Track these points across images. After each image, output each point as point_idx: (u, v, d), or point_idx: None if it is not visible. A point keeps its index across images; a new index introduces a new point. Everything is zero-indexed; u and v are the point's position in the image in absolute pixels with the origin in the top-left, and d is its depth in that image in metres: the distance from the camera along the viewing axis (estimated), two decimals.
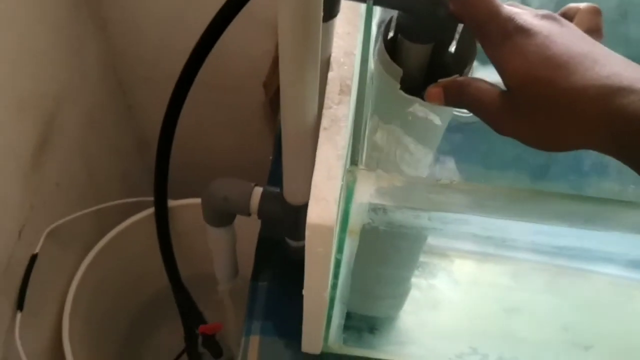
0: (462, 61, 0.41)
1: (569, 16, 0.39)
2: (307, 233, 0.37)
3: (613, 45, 0.36)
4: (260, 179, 0.83)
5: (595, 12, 0.38)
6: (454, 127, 0.51)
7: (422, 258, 0.47)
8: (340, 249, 0.38)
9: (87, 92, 0.82)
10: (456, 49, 0.43)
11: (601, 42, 0.37)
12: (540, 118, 0.33)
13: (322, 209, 0.36)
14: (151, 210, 0.84)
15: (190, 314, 0.88)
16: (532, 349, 0.54)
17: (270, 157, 0.73)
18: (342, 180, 0.34)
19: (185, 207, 0.89)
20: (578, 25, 0.38)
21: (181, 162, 0.90)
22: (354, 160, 0.31)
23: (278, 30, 0.34)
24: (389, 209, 0.34)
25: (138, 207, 0.90)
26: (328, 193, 0.37)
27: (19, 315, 0.68)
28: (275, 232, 0.65)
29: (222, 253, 0.65)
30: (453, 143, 0.55)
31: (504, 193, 0.31)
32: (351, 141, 0.33)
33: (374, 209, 0.34)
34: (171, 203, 0.85)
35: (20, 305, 0.68)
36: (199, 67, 0.62)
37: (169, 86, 0.65)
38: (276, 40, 0.90)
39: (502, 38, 0.33)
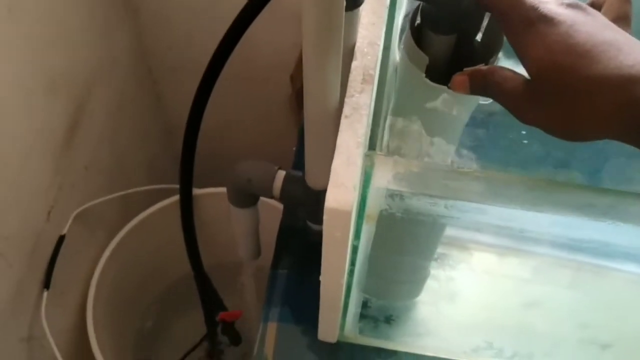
0: (489, 51, 0.41)
1: (598, 4, 0.39)
2: (325, 217, 0.38)
3: None
4: (284, 165, 0.84)
5: (625, 1, 0.38)
6: (476, 122, 0.52)
7: (441, 249, 0.47)
8: (357, 235, 0.39)
9: (117, 78, 0.84)
10: (482, 38, 0.43)
11: (630, 31, 0.36)
12: (561, 106, 0.33)
13: (340, 194, 0.37)
14: (176, 197, 0.85)
15: (211, 301, 0.89)
16: (549, 345, 0.54)
17: (294, 148, 0.74)
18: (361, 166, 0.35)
19: (210, 195, 0.90)
20: (606, 12, 0.37)
21: (207, 152, 0.91)
22: (372, 145, 0.32)
23: (302, 18, 0.35)
24: (406, 195, 0.34)
25: (164, 194, 0.91)
26: (347, 179, 0.38)
27: (45, 293, 0.70)
28: (297, 216, 0.65)
29: (245, 234, 0.66)
30: (475, 138, 0.55)
31: (519, 182, 0.31)
32: (370, 126, 0.33)
33: (391, 195, 0.34)
34: (196, 191, 0.86)
35: (47, 284, 0.70)
36: (226, 59, 0.63)
37: (198, 76, 0.66)
38: None
39: (525, 26, 0.33)
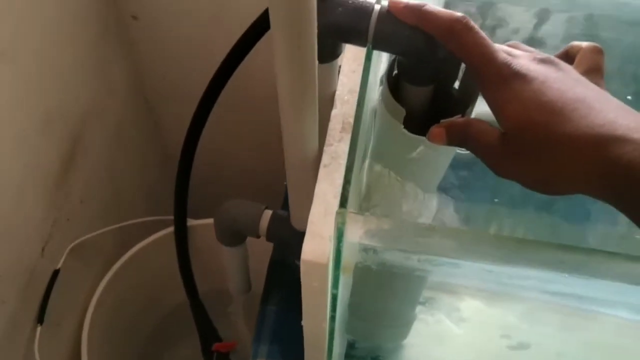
0: (466, 99, 0.42)
1: (571, 54, 0.40)
2: (301, 268, 0.38)
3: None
4: (279, 196, 0.84)
5: (597, 52, 0.38)
6: (461, 162, 0.52)
7: (429, 294, 0.47)
8: (335, 285, 0.39)
9: (114, 109, 0.85)
10: (460, 86, 0.43)
11: (602, 82, 0.37)
12: (535, 163, 0.33)
13: (316, 245, 0.37)
14: (171, 229, 0.86)
15: (206, 331, 0.89)
16: None
17: (285, 183, 0.74)
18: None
19: (205, 226, 0.91)
20: (579, 64, 0.38)
21: (204, 181, 0.92)
22: (342, 202, 0.32)
23: (275, 72, 0.36)
24: (379, 249, 0.34)
25: (161, 224, 0.92)
26: (323, 230, 0.38)
27: (39, 328, 0.70)
28: (285, 253, 0.66)
29: (234, 270, 0.66)
30: (460, 177, 0.55)
31: (488, 239, 0.32)
32: (342, 183, 0.34)
33: (365, 249, 0.35)
34: (191, 222, 0.87)
35: (40, 319, 0.71)
36: (220, 89, 0.64)
37: (196, 103, 0.67)
38: None
39: (499, 83, 0.34)
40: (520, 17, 0.56)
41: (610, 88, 0.46)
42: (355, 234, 0.33)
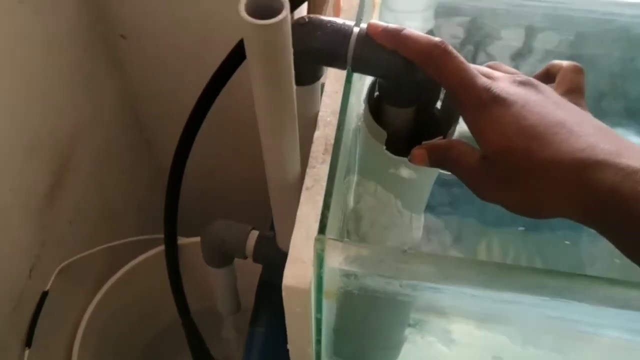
0: (448, 119, 0.42)
1: (552, 73, 0.40)
2: (283, 294, 0.38)
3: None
4: (270, 215, 0.84)
5: (577, 71, 0.38)
6: (451, 179, 0.52)
7: (419, 315, 0.47)
8: (319, 309, 0.39)
9: (103, 129, 0.85)
10: (442, 106, 0.43)
11: (583, 102, 0.37)
12: (517, 187, 0.33)
13: (297, 270, 0.37)
14: (161, 247, 0.86)
15: (199, 350, 0.88)
16: None
17: None
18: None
19: (196, 244, 0.90)
20: (560, 84, 0.38)
21: (194, 198, 0.92)
22: (321, 228, 0.32)
23: (254, 101, 0.35)
24: (360, 275, 0.34)
25: (152, 243, 0.91)
26: (305, 254, 0.38)
27: (27, 352, 0.69)
28: (273, 274, 0.65)
29: (223, 290, 0.66)
30: (450, 194, 0.55)
31: (468, 264, 0.31)
32: (321, 206, 0.33)
33: (346, 274, 0.34)
34: (182, 240, 0.86)
35: (29, 342, 0.70)
36: (207, 109, 0.64)
37: (186, 120, 0.67)
38: None
39: (478, 107, 0.34)
40: (507, 35, 0.56)
41: (600, 104, 0.46)
42: (335, 260, 0.33)
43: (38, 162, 0.69)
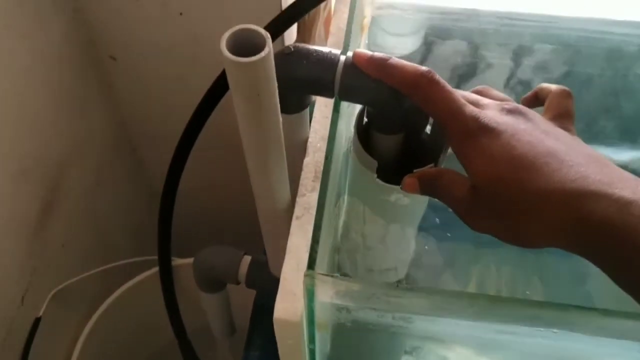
0: (438, 144, 0.41)
1: (541, 97, 0.39)
2: (275, 326, 0.37)
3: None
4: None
5: (566, 96, 0.38)
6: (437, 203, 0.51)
7: (416, 342, 0.46)
8: (312, 341, 0.38)
9: (94, 152, 0.84)
10: (431, 131, 0.43)
11: (572, 127, 0.36)
12: (507, 217, 0.32)
13: (289, 303, 0.36)
14: (156, 269, 0.85)
15: None
16: None
17: None
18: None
19: (190, 265, 0.89)
20: (549, 108, 0.38)
21: (188, 219, 0.91)
22: (311, 264, 0.31)
23: (240, 132, 0.35)
24: (352, 309, 0.34)
25: (146, 265, 0.90)
26: (296, 286, 0.37)
27: None
28: (267, 299, 0.65)
29: (216, 315, 0.65)
30: (440, 217, 0.54)
31: (460, 298, 0.31)
32: (310, 240, 0.33)
33: (338, 308, 0.34)
34: (176, 261, 0.85)
35: None
36: (201, 127, 0.63)
37: (177, 140, 0.66)
38: None
39: (466, 137, 0.33)
40: (497, 54, 0.56)
41: (592, 123, 0.45)
42: (326, 294, 0.32)
43: (28, 187, 0.69)
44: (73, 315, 0.83)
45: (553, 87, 0.39)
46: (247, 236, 0.75)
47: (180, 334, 0.85)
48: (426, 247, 0.53)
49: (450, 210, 0.36)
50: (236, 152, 0.96)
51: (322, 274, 0.31)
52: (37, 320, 0.72)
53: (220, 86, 0.55)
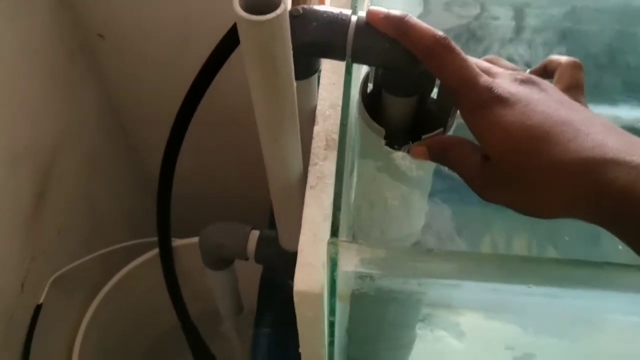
0: (445, 108, 0.40)
1: (550, 69, 0.38)
2: (295, 299, 0.36)
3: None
4: (264, 211, 0.82)
5: (576, 67, 0.37)
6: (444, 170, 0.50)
7: (427, 310, 0.45)
8: (332, 312, 0.37)
9: (86, 137, 0.82)
10: (438, 95, 0.42)
11: (583, 99, 0.36)
12: (522, 189, 0.32)
13: (308, 275, 0.35)
14: (155, 251, 0.84)
15: (201, 353, 0.87)
16: None
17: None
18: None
19: (191, 245, 0.89)
20: (559, 80, 0.37)
21: (185, 199, 0.90)
22: (334, 231, 0.30)
23: (252, 97, 0.33)
24: (376, 276, 0.33)
25: (144, 248, 0.89)
26: (314, 257, 0.36)
27: None
28: (275, 274, 0.64)
29: (224, 293, 0.64)
30: (449, 184, 0.53)
31: (491, 260, 0.30)
32: (331, 205, 0.32)
33: (361, 276, 0.33)
34: (176, 242, 0.84)
35: (25, 358, 0.68)
36: (195, 106, 0.62)
37: (171, 122, 0.64)
38: None
39: (480, 107, 0.32)
40: (502, 15, 0.55)
41: (602, 79, 0.44)
42: (349, 263, 0.31)
43: (21, 175, 0.67)
44: (74, 301, 0.81)
45: (563, 58, 0.38)
46: (245, 214, 0.74)
47: (183, 315, 0.84)
48: (436, 213, 0.52)
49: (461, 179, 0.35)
50: (229, 130, 0.95)
51: (346, 241, 0.30)
52: (38, 307, 0.71)
53: (219, 56, 0.53)
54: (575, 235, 0.51)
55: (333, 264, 0.32)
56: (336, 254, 0.30)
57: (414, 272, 0.31)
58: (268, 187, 0.76)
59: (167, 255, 0.81)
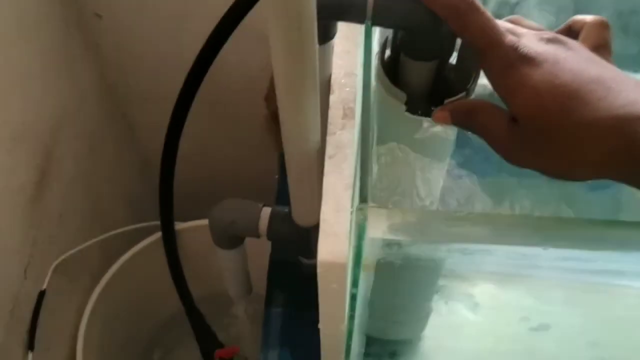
0: (467, 71, 0.39)
1: (575, 30, 0.37)
2: (318, 270, 0.35)
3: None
4: (268, 192, 0.81)
5: (603, 26, 0.35)
6: (461, 138, 0.49)
7: (441, 281, 0.45)
8: (355, 284, 0.36)
9: (85, 118, 0.81)
10: (458, 58, 0.40)
11: (610, 59, 0.34)
12: (552, 150, 0.31)
13: (332, 245, 0.34)
14: (158, 234, 0.82)
15: (206, 339, 0.86)
16: None
17: (276, 176, 0.71)
18: (352, 215, 0.32)
19: (193, 229, 0.87)
20: (585, 40, 0.35)
21: (186, 181, 0.88)
22: (362, 197, 0.29)
23: (272, 59, 0.32)
24: (404, 243, 0.32)
25: (145, 232, 0.88)
26: (338, 227, 0.35)
27: (30, 355, 0.66)
28: (286, 252, 0.63)
29: (233, 273, 0.63)
30: (462, 154, 0.52)
31: (525, 222, 0.29)
32: (358, 175, 0.31)
33: (388, 244, 0.32)
34: (178, 226, 0.83)
35: (31, 345, 0.67)
36: (198, 85, 0.60)
37: (168, 103, 0.63)
38: None
39: (506, 68, 0.31)
40: None
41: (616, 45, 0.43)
42: (377, 229, 0.30)
43: (21, 157, 0.65)
44: (77, 286, 0.80)
45: (588, 18, 0.36)
46: (250, 194, 0.73)
47: (186, 299, 0.83)
48: (452, 182, 0.51)
49: (487, 144, 0.34)
50: (230, 107, 0.93)
51: (375, 206, 0.29)
52: (42, 294, 0.70)
53: (224, 29, 0.52)
54: (593, 201, 0.51)
55: (361, 231, 0.31)
56: (365, 220, 0.29)
57: (444, 237, 0.30)
58: (272, 162, 0.75)
59: (170, 239, 0.80)
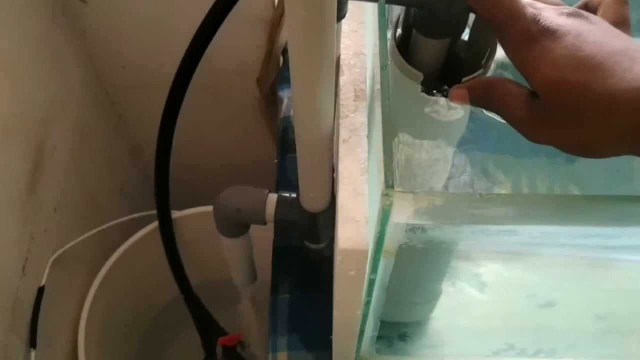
0: (482, 49, 0.38)
1: (592, 6, 0.36)
2: (337, 258, 0.35)
3: None
4: (264, 176, 0.80)
5: (622, 2, 0.35)
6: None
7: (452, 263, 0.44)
8: (374, 270, 0.36)
9: (74, 109, 0.79)
10: (471, 36, 0.40)
11: (631, 35, 0.34)
12: (575, 126, 0.30)
13: (352, 231, 0.34)
14: (155, 224, 0.81)
15: (207, 326, 0.86)
16: (570, 339, 0.52)
17: (276, 161, 0.70)
18: (379, 204, 0.31)
19: (190, 217, 0.86)
20: (603, 17, 0.35)
21: (180, 168, 0.87)
22: (388, 182, 0.28)
23: (288, 40, 0.31)
24: (429, 227, 0.31)
25: (141, 222, 0.87)
26: (357, 212, 0.34)
27: (33, 353, 0.65)
28: (291, 238, 0.62)
29: (239, 261, 0.62)
30: (478, 132, 0.52)
31: (551, 201, 0.29)
32: (383, 159, 0.30)
33: (412, 229, 0.31)
34: (175, 214, 0.82)
35: (33, 342, 0.66)
36: (193, 71, 0.59)
37: (158, 90, 0.61)
38: (267, 36, 0.85)
39: (527, 42, 0.30)
40: None
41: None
42: (402, 214, 0.30)
43: (13, 150, 0.64)
44: (76, 280, 0.79)
45: None
46: (248, 181, 0.72)
47: (184, 287, 0.83)
48: (463, 162, 0.50)
49: (506, 122, 0.33)
50: (221, 98, 0.92)
51: (401, 191, 0.28)
52: (41, 290, 0.68)
53: (217, 16, 0.50)
54: (599, 180, 0.50)
55: (385, 217, 0.30)
56: (390, 205, 0.29)
57: (470, 219, 0.30)
58: (269, 148, 0.73)
59: (167, 228, 0.79)
